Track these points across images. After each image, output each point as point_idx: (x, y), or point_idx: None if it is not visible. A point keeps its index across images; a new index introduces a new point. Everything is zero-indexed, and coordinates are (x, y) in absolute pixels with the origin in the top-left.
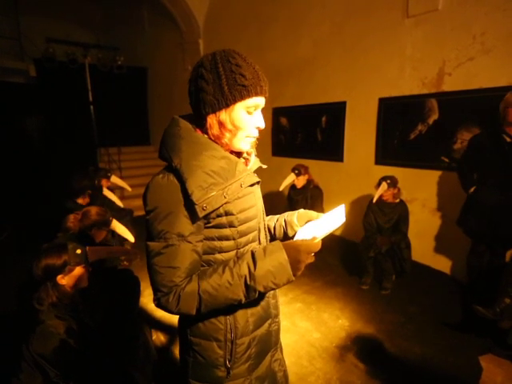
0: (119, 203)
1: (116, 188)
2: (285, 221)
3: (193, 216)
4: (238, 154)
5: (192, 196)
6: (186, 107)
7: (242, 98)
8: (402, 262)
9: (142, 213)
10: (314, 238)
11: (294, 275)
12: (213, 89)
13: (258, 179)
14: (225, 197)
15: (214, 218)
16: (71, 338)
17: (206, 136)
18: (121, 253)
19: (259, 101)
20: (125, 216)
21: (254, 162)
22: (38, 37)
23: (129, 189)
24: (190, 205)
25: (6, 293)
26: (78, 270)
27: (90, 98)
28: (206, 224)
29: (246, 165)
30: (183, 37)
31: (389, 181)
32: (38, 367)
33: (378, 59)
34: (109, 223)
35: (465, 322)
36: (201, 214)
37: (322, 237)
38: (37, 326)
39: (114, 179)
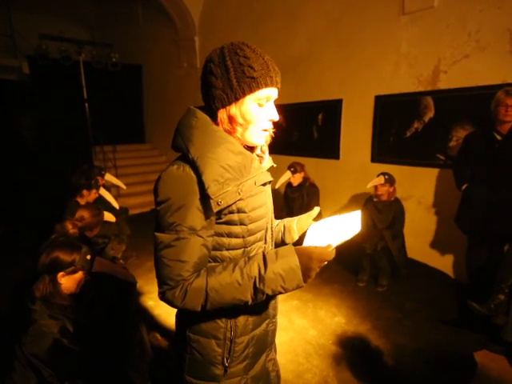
0: (115, 204)
1: (111, 186)
2: (284, 226)
3: (207, 210)
4: (251, 150)
5: (208, 190)
6: (181, 104)
7: (252, 90)
8: (396, 262)
9: (136, 211)
10: (329, 246)
11: (305, 281)
12: (221, 83)
13: (270, 178)
14: (239, 193)
15: (225, 214)
16: (65, 338)
17: (222, 129)
18: (123, 274)
19: (270, 92)
20: (120, 214)
21: (268, 161)
22: (30, 33)
23: (123, 187)
24: (205, 198)
25: (1, 292)
26: (79, 275)
27: (85, 96)
28: (216, 220)
29: (261, 162)
30: (178, 33)
31: (387, 176)
32: (32, 367)
33: (373, 56)
34: (102, 218)
35: (460, 318)
36: (215, 209)
37: (337, 245)
38: (29, 326)
39: (109, 177)
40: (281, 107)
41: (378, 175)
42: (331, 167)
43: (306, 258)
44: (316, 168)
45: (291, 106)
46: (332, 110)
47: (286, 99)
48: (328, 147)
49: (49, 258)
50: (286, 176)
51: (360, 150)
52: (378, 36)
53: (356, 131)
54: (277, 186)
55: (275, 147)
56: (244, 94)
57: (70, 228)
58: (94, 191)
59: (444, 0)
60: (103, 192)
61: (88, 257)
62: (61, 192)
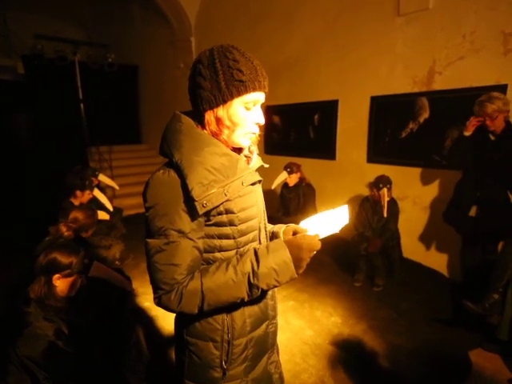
0: (109, 205)
1: (106, 187)
2: (272, 233)
3: (193, 213)
4: (239, 151)
5: (192, 192)
6: (177, 105)
7: (240, 93)
8: (392, 262)
9: (132, 212)
10: (317, 236)
11: (297, 273)
12: (210, 85)
13: (259, 178)
14: (225, 194)
15: (214, 216)
16: (60, 340)
17: (207, 132)
18: (120, 281)
19: (258, 96)
20: (115, 215)
21: (256, 161)
22: (26, 33)
23: (117, 187)
24: (190, 201)
25: None
26: (75, 278)
27: (80, 96)
28: (206, 221)
29: (248, 163)
30: (175, 34)
31: (389, 185)
32: (27, 370)
33: (369, 57)
34: (96, 218)
35: (455, 317)
36: (201, 211)
37: (325, 236)
38: (24, 329)
39: (102, 178)
40: (277, 108)
41: (380, 187)
42: (327, 167)
43: (297, 249)
44: (312, 168)
45: (288, 106)
46: (328, 110)
47: (283, 100)
48: (324, 147)
49: (46, 259)
50: (283, 176)
51: (356, 150)
52: (373, 37)
53: (352, 132)
54: (273, 187)
55: (272, 148)
56: (232, 97)
57: (65, 231)
58: (87, 192)
59: (439, 1)
60: (97, 193)
61: (86, 261)
62: (56, 193)
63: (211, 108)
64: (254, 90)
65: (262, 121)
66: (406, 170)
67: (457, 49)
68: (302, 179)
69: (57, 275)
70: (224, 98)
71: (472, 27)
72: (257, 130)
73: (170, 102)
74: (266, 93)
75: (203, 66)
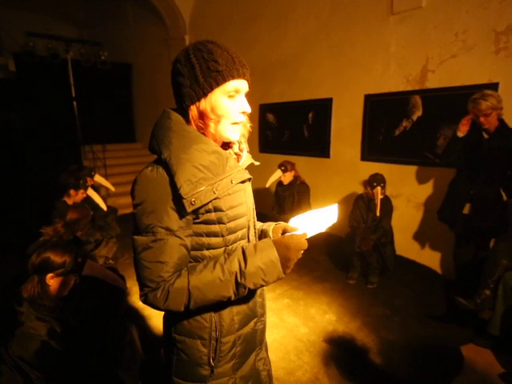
0: (103, 205)
1: (101, 186)
2: (262, 230)
3: (181, 210)
4: (228, 146)
5: (180, 190)
6: (171, 103)
7: (218, 84)
8: (385, 260)
9: (127, 211)
10: (305, 235)
11: (284, 273)
12: (189, 81)
13: (249, 176)
14: (214, 192)
15: (202, 214)
16: (53, 340)
17: (195, 129)
18: (113, 280)
19: (238, 84)
20: (109, 214)
21: (246, 159)
22: (17, 30)
23: (112, 188)
24: (178, 199)
25: None
26: (68, 277)
27: (73, 94)
28: (194, 219)
29: (238, 161)
30: (169, 32)
31: (382, 184)
32: (19, 370)
33: (363, 56)
34: (90, 217)
35: (447, 313)
36: (189, 209)
37: (313, 235)
38: (16, 329)
39: (98, 178)
40: (272, 106)
41: (373, 186)
42: (322, 166)
43: (284, 249)
44: (307, 166)
45: (282, 104)
46: (322, 108)
47: (277, 98)
48: (318, 146)
49: (39, 259)
50: (277, 175)
51: (350, 148)
52: (367, 36)
53: (346, 130)
54: (267, 185)
55: (267, 146)
56: (211, 89)
57: (63, 232)
58: (81, 191)
59: (432, 0)
60: (91, 193)
61: (79, 259)
62: (49, 192)
63: (193, 103)
64: (233, 77)
65: (248, 109)
66: (399, 168)
67: (449, 47)
68: (296, 177)
69: (50, 274)
70: (204, 91)
71: (464, 26)
72: (243, 119)
73: (165, 100)
74: (247, 80)
75: (181, 65)
